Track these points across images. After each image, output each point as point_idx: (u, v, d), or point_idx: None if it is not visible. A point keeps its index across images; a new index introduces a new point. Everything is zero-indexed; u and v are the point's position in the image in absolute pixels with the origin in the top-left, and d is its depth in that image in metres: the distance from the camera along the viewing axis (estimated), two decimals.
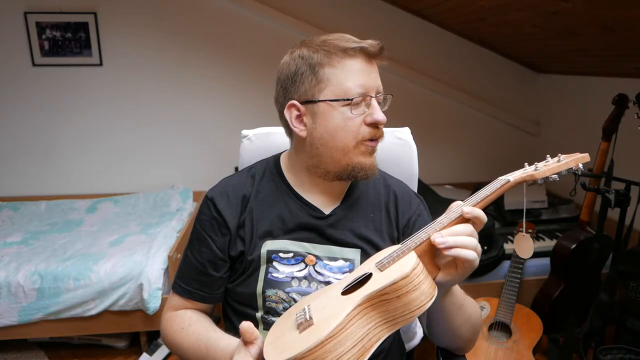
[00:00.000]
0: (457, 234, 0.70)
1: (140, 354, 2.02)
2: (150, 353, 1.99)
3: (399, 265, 0.68)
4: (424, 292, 0.66)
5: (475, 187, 2.79)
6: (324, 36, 0.87)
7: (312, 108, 0.86)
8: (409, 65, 2.92)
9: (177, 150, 2.92)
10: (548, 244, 2.24)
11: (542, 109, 3.09)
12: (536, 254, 2.21)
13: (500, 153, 3.17)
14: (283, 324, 0.74)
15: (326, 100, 0.84)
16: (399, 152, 1.20)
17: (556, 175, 0.75)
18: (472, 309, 0.86)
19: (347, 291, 0.72)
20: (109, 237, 2.30)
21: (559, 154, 0.78)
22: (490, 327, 1.87)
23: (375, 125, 0.85)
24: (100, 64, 2.72)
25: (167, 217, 2.54)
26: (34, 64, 2.68)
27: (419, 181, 1.26)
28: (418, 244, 0.71)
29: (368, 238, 0.92)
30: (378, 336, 0.66)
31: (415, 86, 2.96)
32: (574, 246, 1.93)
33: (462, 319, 0.84)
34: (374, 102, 0.85)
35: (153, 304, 1.91)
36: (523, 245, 0.81)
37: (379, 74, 0.88)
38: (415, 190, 1.10)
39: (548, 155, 0.79)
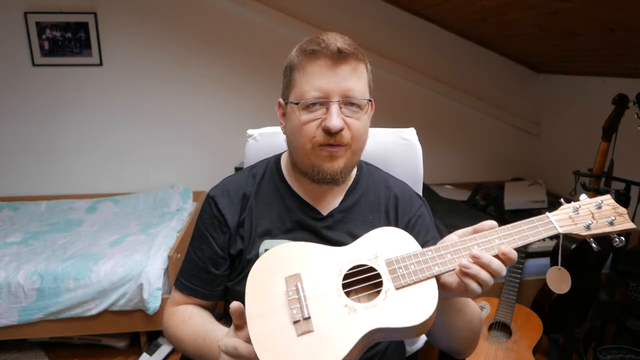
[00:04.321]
0: (486, 265, 0.67)
1: (140, 354, 2.02)
2: (150, 353, 1.99)
3: (418, 299, 0.66)
4: (427, 328, 0.67)
5: (475, 188, 2.79)
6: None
7: (286, 108, 0.89)
8: (409, 65, 2.92)
9: (177, 150, 2.92)
10: (548, 244, 2.23)
11: (542, 109, 3.09)
12: (536, 254, 2.21)
13: (500, 153, 3.17)
14: (272, 302, 0.69)
15: (290, 102, 0.86)
16: (404, 152, 1.19)
17: (595, 246, 0.72)
18: (472, 313, 0.85)
19: (350, 291, 0.70)
20: (109, 237, 2.30)
21: (618, 210, 0.74)
22: (490, 327, 1.87)
23: (328, 131, 0.81)
24: (100, 64, 2.72)
25: (167, 217, 2.53)
26: (34, 64, 2.67)
27: None
28: (443, 271, 0.68)
29: None
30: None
31: (415, 86, 2.96)
32: (574, 246, 1.93)
33: (461, 322, 0.83)
34: (333, 107, 0.81)
35: (153, 304, 1.92)
36: (559, 279, 0.74)
37: (350, 77, 0.82)
38: (420, 192, 1.09)
39: (600, 199, 0.74)
